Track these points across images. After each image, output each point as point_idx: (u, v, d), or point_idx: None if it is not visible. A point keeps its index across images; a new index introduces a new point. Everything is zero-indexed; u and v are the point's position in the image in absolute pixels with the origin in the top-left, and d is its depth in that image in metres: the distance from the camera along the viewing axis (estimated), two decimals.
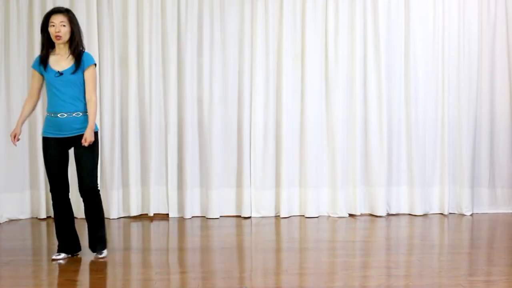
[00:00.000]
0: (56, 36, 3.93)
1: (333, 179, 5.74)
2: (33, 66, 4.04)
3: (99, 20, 5.57)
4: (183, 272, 3.87)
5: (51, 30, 3.94)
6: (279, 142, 5.71)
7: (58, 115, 3.97)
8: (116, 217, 5.60)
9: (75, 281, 3.64)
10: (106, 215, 5.63)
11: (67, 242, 4.13)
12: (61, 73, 3.96)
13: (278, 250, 4.47)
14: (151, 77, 5.62)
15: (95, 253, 4.17)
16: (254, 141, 5.69)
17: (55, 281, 3.63)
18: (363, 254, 4.35)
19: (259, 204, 5.73)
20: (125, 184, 5.67)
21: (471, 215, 5.79)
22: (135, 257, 4.21)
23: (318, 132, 5.74)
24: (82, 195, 4.08)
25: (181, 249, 4.42)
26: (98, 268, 3.91)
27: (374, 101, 5.73)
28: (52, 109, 3.98)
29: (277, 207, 5.76)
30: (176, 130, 5.66)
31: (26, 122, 5.56)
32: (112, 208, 5.59)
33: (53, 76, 3.96)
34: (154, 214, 5.66)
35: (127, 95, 5.62)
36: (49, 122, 4.00)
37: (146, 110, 5.65)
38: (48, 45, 4.01)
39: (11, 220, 5.53)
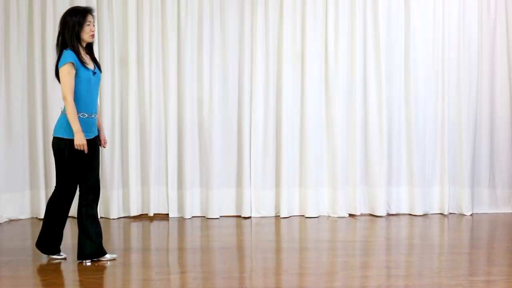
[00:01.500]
0: (92, 35, 3.94)
1: (333, 179, 5.74)
2: (74, 61, 3.82)
3: (99, 20, 5.56)
4: (183, 272, 3.87)
5: (87, 28, 3.90)
6: (279, 142, 5.71)
7: (93, 115, 3.96)
8: (116, 217, 5.59)
9: (75, 281, 3.64)
10: (106, 215, 5.65)
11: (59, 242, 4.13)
12: (94, 72, 3.96)
13: (278, 250, 4.47)
14: (151, 77, 5.62)
15: (101, 258, 4.05)
16: (254, 141, 5.69)
17: (55, 281, 3.63)
18: (363, 254, 4.35)
19: (259, 204, 5.72)
20: (125, 184, 5.67)
21: (471, 215, 5.79)
22: (135, 257, 4.20)
23: (318, 132, 5.74)
24: (90, 198, 4.01)
25: (181, 249, 4.42)
26: (98, 268, 3.90)
27: (374, 101, 5.73)
28: (87, 109, 3.91)
29: (277, 207, 5.76)
30: (176, 130, 5.66)
31: (26, 123, 5.58)
32: (112, 208, 5.59)
33: (91, 75, 3.92)
34: (154, 214, 5.66)
35: (127, 95, 5.62)
36: (85, 123, 3.89)
37: (146, 110, 5.65)
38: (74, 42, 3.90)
39: (11, 220, 5.53)
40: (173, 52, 5.62)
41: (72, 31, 3.87)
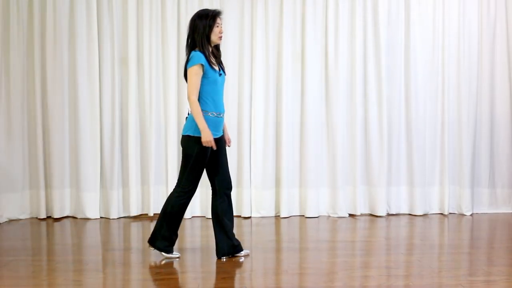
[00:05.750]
0: (220, 37, 4.03)
1: (333, 179, 5.74)
2: (203, 62, 3.91)
3: (99, 20, 5.57)
4: (183, 272, 3.87)
5: (216, 30, 3.99)
6: (279, 142, 5.71)
7: (221, 115, 4.05)
8: (116, 217, 5.60)
9: (75, 281, 3.64)
10: (106, 215, 5.65)
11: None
12: (220, 74, 4.03)
13: (278, 250, 4.47)
14: (151, 77, 5.62)
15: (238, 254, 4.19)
16: (254, 141, 5.70)
17: (55, 281, 3.63)
18: (363, 254, 4.35)
19: (259, 204, 5.73)
20: (125, 184, 5.67)
21: (471, 215, 5.79)
22: (135, 257, 4.20)
23: (318, 132, 5.74)
24: (223, 193, 4.11)
25: (181, 249, 4.42)
26: (98, 268, 3.91)
27: (374, 101, 5.74)
28: (217, 109, 4.00)
29: (277, 207, 5.76)
30: (176, 130, 5.66)
31: (26, 123, 5.59)
32: (112, 208, 5.59)
33: (217, 76, 3.99)
34: (154, 214, 5.66)
35: (127, 95, 5.62)
36: (213, 122, 3.98)
37: (146, 110, 5.65)
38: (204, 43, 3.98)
39: (11, 220, 5.53)
40: (173, 51, 5.62)
41: (203, 33, 3.96)
